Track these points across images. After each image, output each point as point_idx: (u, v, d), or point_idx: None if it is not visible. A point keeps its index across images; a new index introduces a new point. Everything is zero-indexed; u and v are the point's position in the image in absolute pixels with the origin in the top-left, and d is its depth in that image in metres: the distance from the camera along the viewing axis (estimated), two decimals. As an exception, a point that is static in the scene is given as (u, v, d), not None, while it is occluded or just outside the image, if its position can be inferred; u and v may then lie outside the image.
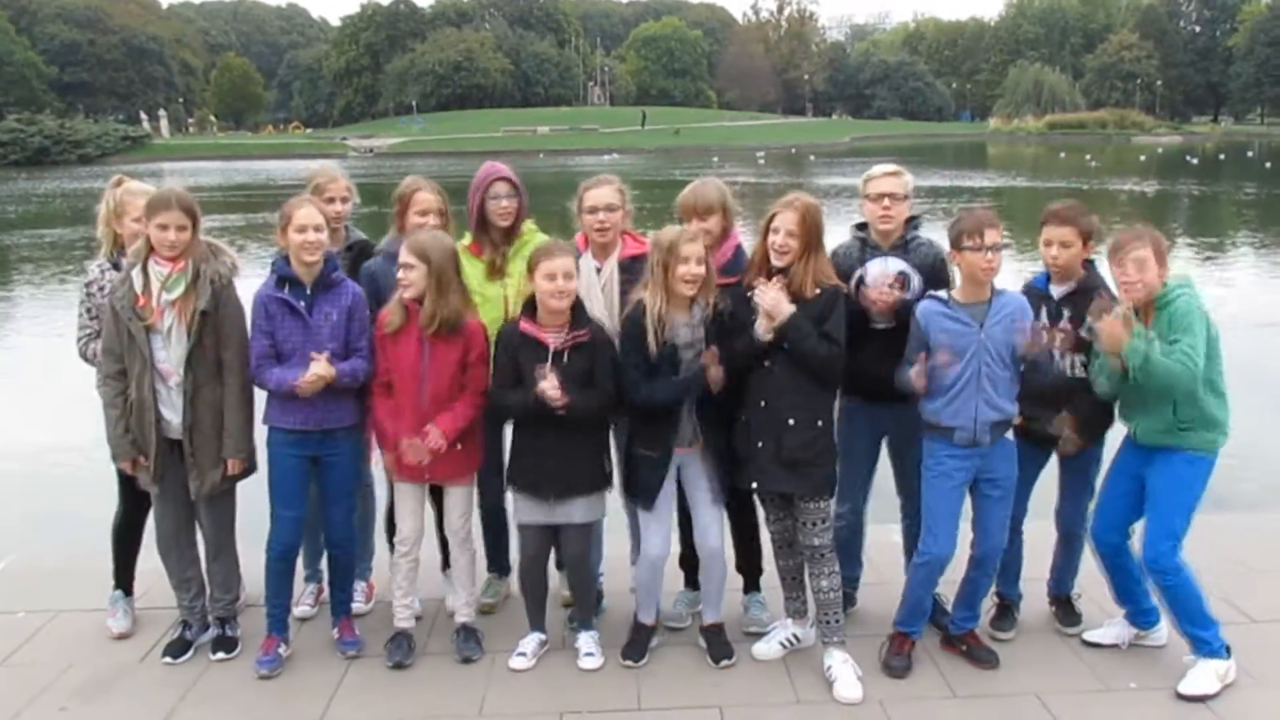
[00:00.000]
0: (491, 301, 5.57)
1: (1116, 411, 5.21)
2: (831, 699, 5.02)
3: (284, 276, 5.19)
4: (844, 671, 5.14)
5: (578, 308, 5.14)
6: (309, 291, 5.20)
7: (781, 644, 5.43)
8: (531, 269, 5.08)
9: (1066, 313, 5.21)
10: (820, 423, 5.11)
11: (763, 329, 4.94)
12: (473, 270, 5.60)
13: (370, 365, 5.29)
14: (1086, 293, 5.16)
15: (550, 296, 5.02)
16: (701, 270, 5.00)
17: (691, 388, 5.05)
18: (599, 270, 5.51)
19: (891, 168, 5.40)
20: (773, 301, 4.89)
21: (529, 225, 5.79)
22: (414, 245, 5.14)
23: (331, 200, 5.70)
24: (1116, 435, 5.32)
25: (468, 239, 5.75)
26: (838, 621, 5.26)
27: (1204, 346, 4.76)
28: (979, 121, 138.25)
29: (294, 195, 5.35)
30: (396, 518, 5.51)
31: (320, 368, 5.05)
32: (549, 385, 4.92)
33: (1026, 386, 5.08)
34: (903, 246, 5.36)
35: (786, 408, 5.04)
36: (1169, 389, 4.79)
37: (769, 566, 5.67)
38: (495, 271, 5.63)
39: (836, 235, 5.40)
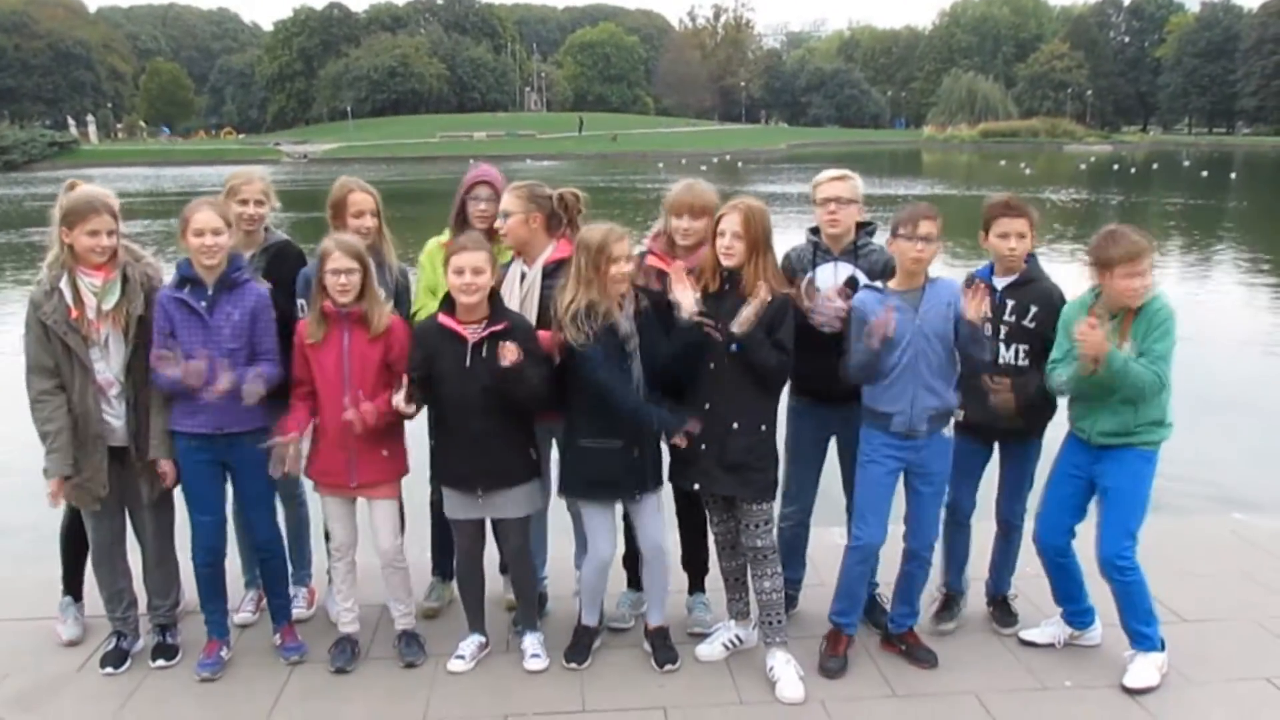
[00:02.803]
0: None
1: (1069, 412, 5.27)
2: (774, 699, 5.07)
3: (185, 277, 5.12)
4: (786, 672, 5.18)
5: (496, 301, 5.14)
6: (210, 292, 5.11)
7: (725, 645, 5.46)
8: (444, 262, 5.10)
9: (1010, 303, 5.31)
10: (764, 427, 5.14)
11: (686, 313, 4.91)
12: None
13: (279, 369, 5.24)
14: (1029, 284, 5.32)
15: (459, 292, 5.02)
16: (629, 269, 5.05)
17: (650, 421, 5.09)
18: (524, 275, 5.50)
19: (838, 172, 5.43)
20: (744, 318, 4.89)
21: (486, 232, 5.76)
22: (348, 248, 5.13)
23: (245, 202, 5.62)
24: (1056, 436, 5.42)
25: (446, 235, 5.78)
26: (780, 622, 5.30)
27: (1173, 353, 4.88)
28: (913, 129, 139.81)
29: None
30: (327, 526, 5.49)
31: (223, 383, 4.97)
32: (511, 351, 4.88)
33: (967, 366, 5.10)
34: (853, 252, 5.41)
35: (731, 412, 5.07)
36: (1136, 395, 4.88)
37: (714, 568, 5.70)
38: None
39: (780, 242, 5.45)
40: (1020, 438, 5.49)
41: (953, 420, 5.21)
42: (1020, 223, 5.27)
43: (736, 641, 5.49)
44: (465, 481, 5.23)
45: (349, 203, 5.64)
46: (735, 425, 5.07)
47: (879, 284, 5.19)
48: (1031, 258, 5.40)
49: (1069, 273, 5.40)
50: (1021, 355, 5.31)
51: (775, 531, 5.31)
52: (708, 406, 5.08)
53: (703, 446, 5.10)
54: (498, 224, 5.52)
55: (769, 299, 4.94)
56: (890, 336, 4.87)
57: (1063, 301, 5.30)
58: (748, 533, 5.22)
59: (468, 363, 5.03)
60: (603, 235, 5.06)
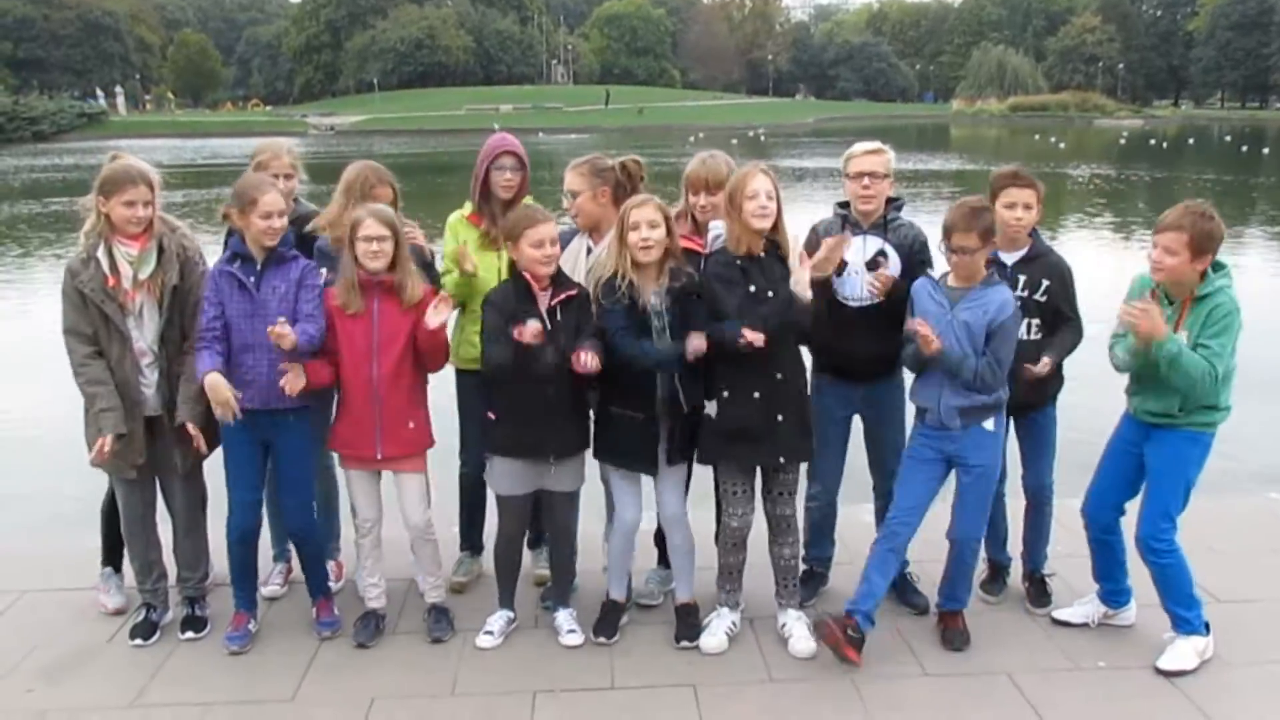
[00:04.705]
0: (486, 271, 5.52)
1: (1125, 387, 5.21)
2: (804, 677, 5.04)
3: (237, 253, 5.13)
4: (798, 628, 5.29)
5: (558, 271, 5.14)
6: (259, 267, 5.13)
7: (726, 634, 5.37)
8: (515, 237, 5.04)
9: (1021, 278, 5.28)
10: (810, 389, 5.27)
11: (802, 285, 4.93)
12: (468, 239, 5.63)
13: (321, 330, 5.17)
14: (1038, 259, 5.31)
15: (537, 264, 5.02)
16: (654, 236, 4.97)
17: (674, 358, 4.99)
18: (589, 251, 5.49)
19: (873, 146, 5.38)
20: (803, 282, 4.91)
21: (528, 201, 5.74)
22: (382, 216, 5.12)
23: (275, 176, 5.60)
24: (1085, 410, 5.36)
25: (468, 208, 5.75)
26: (795, 586, 5.40)
27: (1232, 349, 4.76)
28: (942, 103, 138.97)
29: (245, 173, 5.28)
30: (352, 502, 5.48)
31: (280, 328, 4.87)
32: (531, 331, 4.82)
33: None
34: (883, 226, 5.37)
35: (800, 378, 5.17)
36: (1185, 387, 4.77)
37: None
38: (491, 242, 5.56)
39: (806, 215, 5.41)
40: (1031, 409, 5.44)
41: (997, 414, 5.11)
42: (1028, 193, 5.24)
43: (734, 627, 5.43)
44: (535, 449, 5.17)
45: (375, 197, 5.51)
46: (802, 389, 5.16)
47: (936, 274, 5.18)
48: (1034, 232, 5.38)
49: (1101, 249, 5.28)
50: (1034, 329, 5.30)
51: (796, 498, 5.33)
52: (779, 376, 5.06)
53: (779, 418, 5.06)
54: (565, 204, 5.51)
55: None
56: (933, 351, 4.91)
57: (1072, 274, 5.35)
58: (777, 500, 5.25)
59: (547, 326, 4.99)
60: (628, 202, 5.08)
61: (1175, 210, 4.79)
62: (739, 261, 5.03)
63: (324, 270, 5.43)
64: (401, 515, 5.43)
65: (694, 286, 5.08)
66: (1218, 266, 4.85)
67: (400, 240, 5.15)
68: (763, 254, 5.04)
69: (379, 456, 5.28)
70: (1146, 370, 4.92)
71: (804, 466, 5.48)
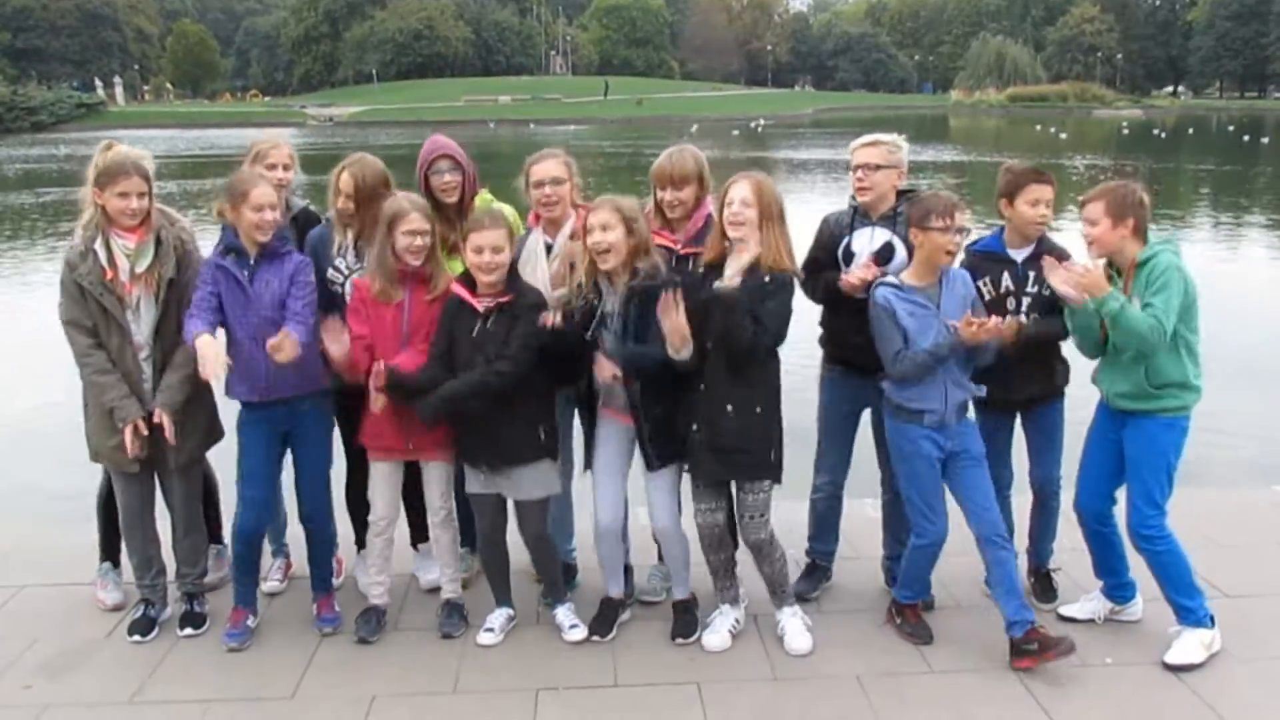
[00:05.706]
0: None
1: (1091, 374, 5.20)
2: (808, 675, 5.00)
3: (231, 247, 5.07)
4: (793, 625, 5.25)
5: (513, 275, 5.09)
6: (252, 261, 5.07)
7: (730, 631, 5.34)
8: (464, 239, 5.04)
9: (1032, 274, 5.23)
10: (759, 409, 4.98)
11: (725, 281, 4.75)
12: None
13: (310, 333, 5.06)
14: (1049, 254, 5.21)
15: (478, 270, 4.99)
16: (607, 239, 4.89)
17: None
18: (550, 246, 5.42)
19: (871, 138, 5.34)
20: (730, 274, 4.75)
21: (484, 197, 5.70)
22: (424, 210, 5.14)
23: (274, 167, 5.60)
24: (1085, 398, 5.34)
25: None
26: (785, 590, 5.33)
27: (1178, 306, 4.73)
28: (941, 94, 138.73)
29: (240, 167, 5.24)
30: (371, 497, 5.43)
31: (278, 340, 4.79)
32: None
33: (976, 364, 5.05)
34: (892, 218, 5.32)
35: (725, 395, 4.94)
36: (1137, 346, 4.76)
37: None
38: (451, 249, 5.44)
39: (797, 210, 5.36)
40: (1039, 403, 5.41)
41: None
42: (1049, 190, 5.21)
43: (738, 624, 5.39)
44: (472, 458, 5.20)
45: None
46: (729, 408, 4.94)
47: (892, 278, 5.06)
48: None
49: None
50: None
51: (772, 520, 5.15)
52: (703, 387, 4.96)
53: (694, 428, 5.00)
54: (548, 191, 5.41)
55: (756, 254, 4.81)
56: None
57: None
58: (745, 525, 5.12)
59: (475, 333, 4.98)
60: (593, 204, 5.03)
61: (1096, 187, 4.94)
62: (702, 269, 4.99)
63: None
64: (426, 498, 5.44)
65: (652, 286, 4.89)
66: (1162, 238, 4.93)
67: (435, 232, 5.16)
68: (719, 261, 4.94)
69: (409, 446, 5.26)
70: (1106, 352, 4.97)
71: (807, 465, 5.43)
